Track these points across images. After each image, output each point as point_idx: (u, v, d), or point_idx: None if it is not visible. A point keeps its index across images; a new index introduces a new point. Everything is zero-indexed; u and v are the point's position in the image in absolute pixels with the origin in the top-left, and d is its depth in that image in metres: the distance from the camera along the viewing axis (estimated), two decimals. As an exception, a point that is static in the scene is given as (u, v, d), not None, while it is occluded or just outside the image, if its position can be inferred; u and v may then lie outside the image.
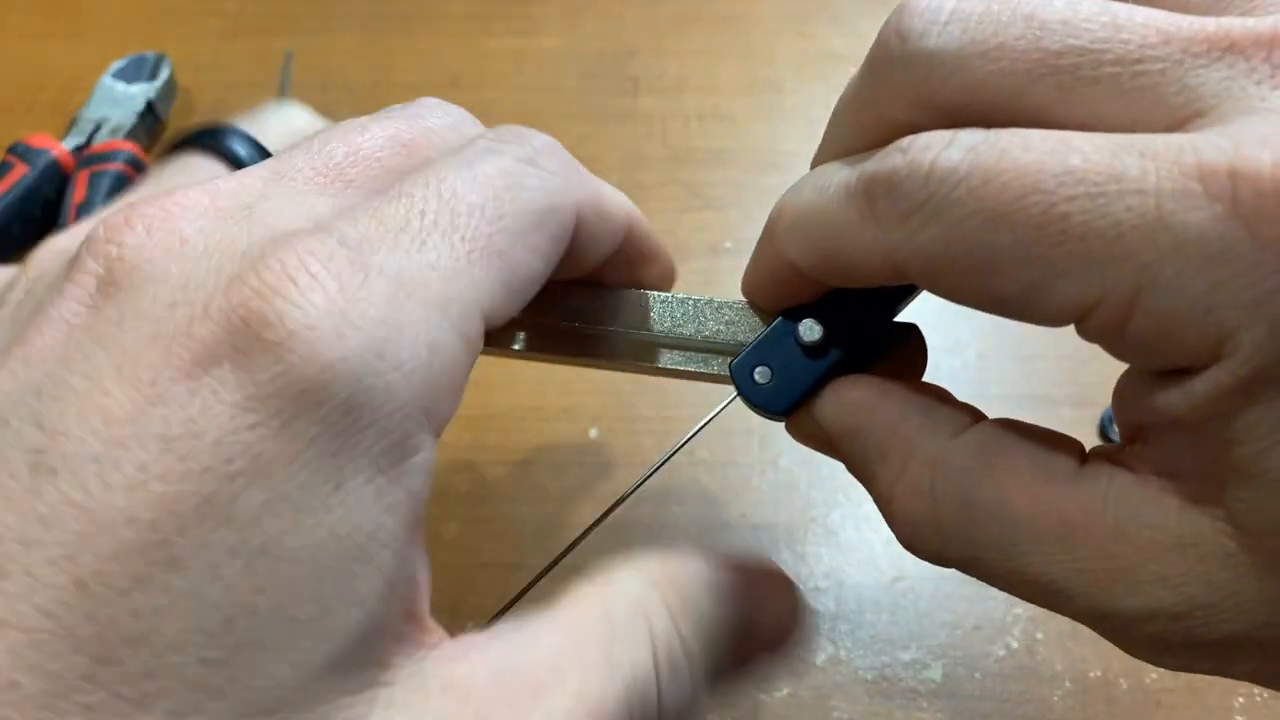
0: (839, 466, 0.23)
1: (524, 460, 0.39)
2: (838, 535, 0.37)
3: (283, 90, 0.52)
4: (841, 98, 0.21)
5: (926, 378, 0.23)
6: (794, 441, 0.24)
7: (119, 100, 0.49)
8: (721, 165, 0.49)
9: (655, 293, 0.25)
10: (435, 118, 0.22)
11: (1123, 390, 0.19)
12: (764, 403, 0.23)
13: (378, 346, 0.16)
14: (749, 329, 0.24)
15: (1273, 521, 0.16)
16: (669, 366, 0.25)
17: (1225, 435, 0.16)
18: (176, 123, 0.51)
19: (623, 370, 0.25)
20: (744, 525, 0.38)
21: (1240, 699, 0.33)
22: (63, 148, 0.47)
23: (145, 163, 0.47)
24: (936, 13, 0.18)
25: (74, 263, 0.18)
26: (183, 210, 0.18)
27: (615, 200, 0.23)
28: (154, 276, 0.17)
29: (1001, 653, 0.34)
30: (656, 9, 0.56)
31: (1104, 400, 0.39)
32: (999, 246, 0.16)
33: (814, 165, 0.23)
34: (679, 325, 0.24)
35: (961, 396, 0.21)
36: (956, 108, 0.18)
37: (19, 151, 0.46)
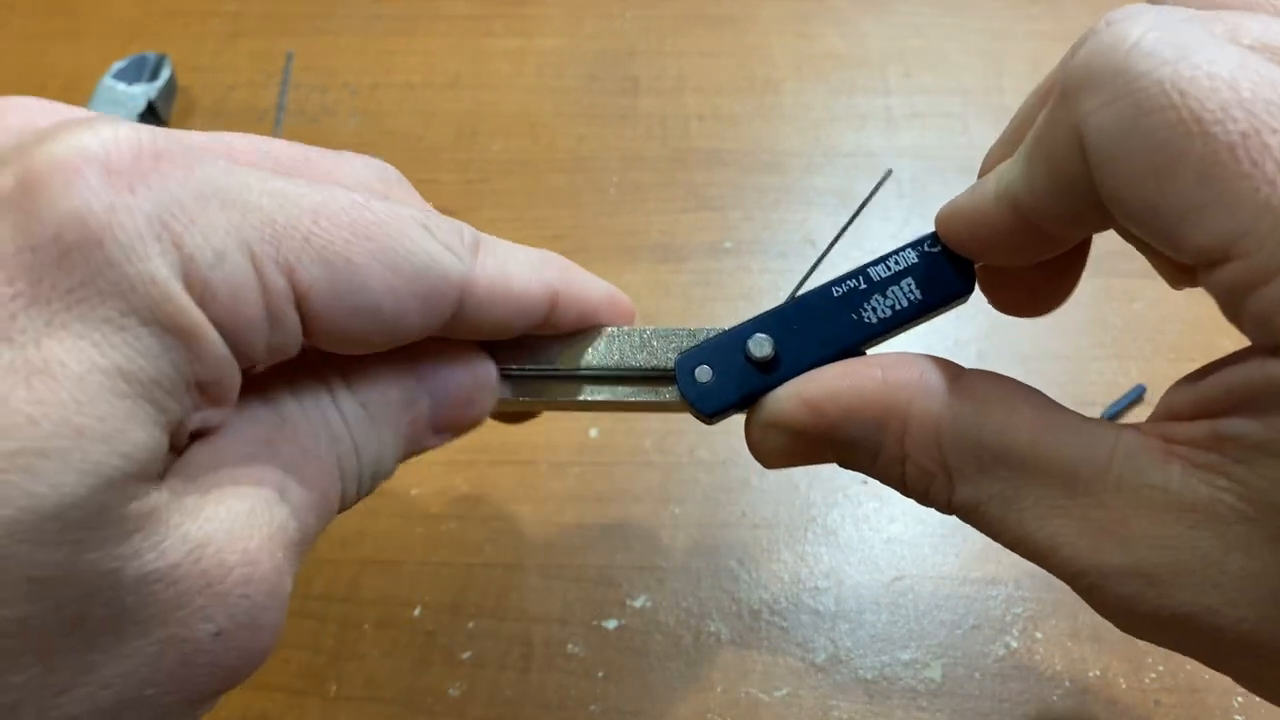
0: (839, 467, 0.23)
1: (524, 460, 0.40)
2: (837, 535, 0.37)
3: (283, 91, 0.53)
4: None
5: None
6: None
7: (120, 100, 0.49)
8: (721, 165, 0.49)
9: (602, 329, 0.25)
10: (359, 159, 0.23)
11: (1229, 360, 0.19)
12: (695, 400, 0.24)
13: (165, 218, 0.17)
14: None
15: None
16: (623, 400, 0.25)
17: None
18: (177, 123, 0.51)
19: (579, 410, 0.26)
20: (744, 525, 0.38)
21: (1240, 699, 0.33)
22: (63, 148, 0.47)
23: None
24: None
25: None
26: (55, 110, 0.19)
27: (531, 279, 0.23)
28: None
29: (1001, 652, 0.35)
30: (656, 9, 0.57)
31: (1104, 400, 0.39)
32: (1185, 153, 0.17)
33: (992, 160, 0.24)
34: (626, 358, 0.25)
35: (960, 396, 0.22)
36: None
37: (20, 152, 0.46)
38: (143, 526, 0.17)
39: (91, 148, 0.17)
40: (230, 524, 0.19)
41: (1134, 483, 0.18)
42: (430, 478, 0.39)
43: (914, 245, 0.24)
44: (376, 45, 0.55)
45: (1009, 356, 0.41)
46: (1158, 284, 0.46)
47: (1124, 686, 0.34)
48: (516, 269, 0.22)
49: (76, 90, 0.52)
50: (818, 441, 0.23)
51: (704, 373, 0.23)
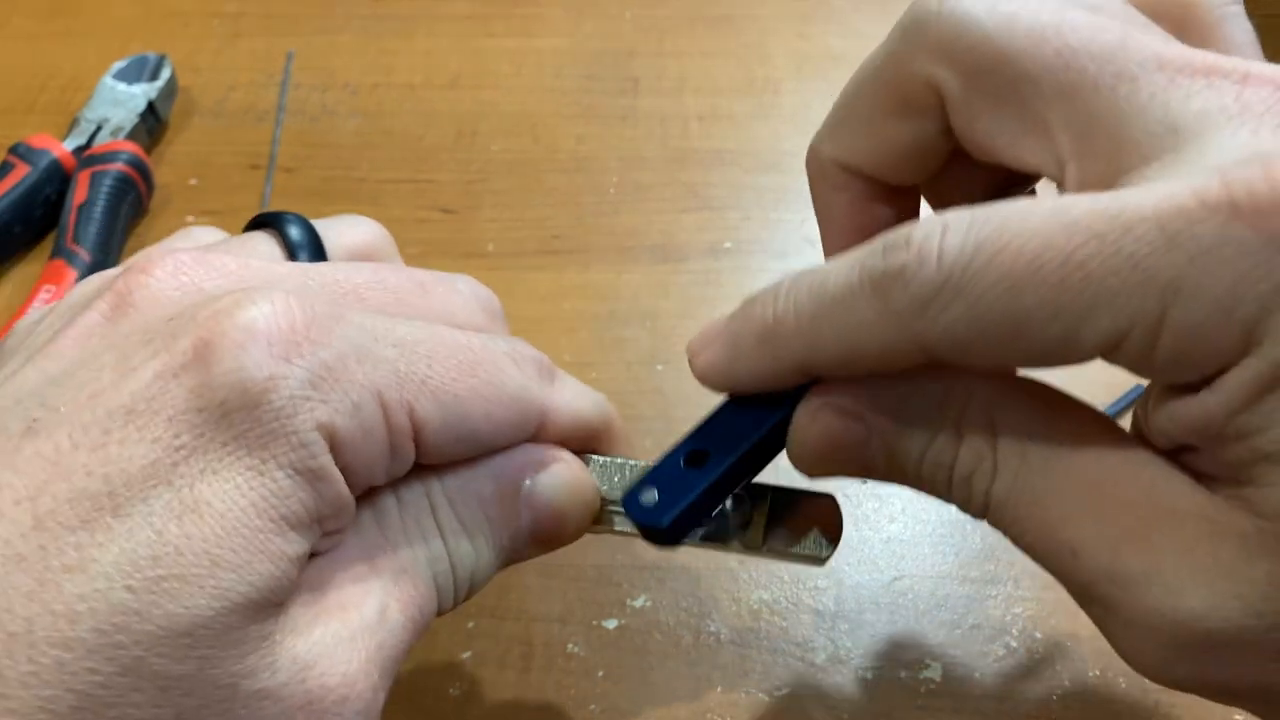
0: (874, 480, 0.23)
1: (524, 460, 0.40)
2: (837, 535, 0.37)
3: (283, 91, 0.53)
4: (863, 65, 0.23)
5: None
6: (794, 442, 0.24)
7: (120, 101, 0.49)
8: (721, 166, 0.49)
9: (592, 457, 0.26)
10: (464, 284, 0.26)
11: (1148, 416, 0.19)
12: (647, 520, 0.22)
13: (315, 380, 0.20)
14: None
15: None
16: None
17: (1254, 424, 0.17)
18: (178, 123, 0.52)
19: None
20: (744, 525, 0.38)
21: (1239, 698, 0.33)
22: (64, 148, 0.47)
23: (146, 163, 0.47)
24: None
25: (110, 284, 0.22)
26: (210, 267, 0.22)
27: (593, 404, 0.26)
28: (165, 304, 0.21)
29: (1000, 652, 0.35)
30: (657, 9, 0.57)
31: (1102, 401, 0.39)
32: (1025, 309, 0.17)
33: (819, 143, 0.26)
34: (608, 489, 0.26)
35: (960, 396, 0.21)
36: (980, 71, 0.20)
37: (20, 152, 0.46)
38: (259, 647, 0.19)
39: (258, 324, 0.20)
40: (335, 647, 0.21)
41: (1157, 493, 0.18)
42: (430, 478, 0.39)
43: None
44: (377, 45, 0.55)
45: (1008, 356, 0.42)
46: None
47: (1123, 686, 0.34)
48: (583, 394, 0.25)
49: (77, 90, 0.52)
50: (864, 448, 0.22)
51: (649, 495, 0.23)
